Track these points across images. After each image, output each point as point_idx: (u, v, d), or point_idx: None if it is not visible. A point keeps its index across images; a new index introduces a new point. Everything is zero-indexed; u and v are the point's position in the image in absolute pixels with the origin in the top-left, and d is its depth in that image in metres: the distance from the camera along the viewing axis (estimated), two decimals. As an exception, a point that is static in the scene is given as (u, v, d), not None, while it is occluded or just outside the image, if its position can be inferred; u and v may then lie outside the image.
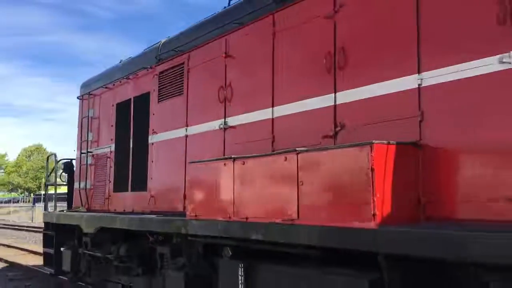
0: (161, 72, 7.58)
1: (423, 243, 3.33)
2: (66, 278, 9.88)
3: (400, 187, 3.79)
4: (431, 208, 3.83)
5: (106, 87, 9.27)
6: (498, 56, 3.47)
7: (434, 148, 3.86)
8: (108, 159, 8.87)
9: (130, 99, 8.38)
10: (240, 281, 5.10)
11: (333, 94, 4.73)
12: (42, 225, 10.68)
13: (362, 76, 4.49)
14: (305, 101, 5.03)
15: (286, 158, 4.38)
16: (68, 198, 10.62)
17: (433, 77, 3.91)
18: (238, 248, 5.20)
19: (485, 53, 3.55)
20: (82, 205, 9.71)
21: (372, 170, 3.61)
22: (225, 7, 6.72)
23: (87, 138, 9.79)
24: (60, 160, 10.95)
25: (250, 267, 5.04)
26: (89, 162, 9.65)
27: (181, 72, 7.10)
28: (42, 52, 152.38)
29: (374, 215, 3.59)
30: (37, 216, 38.87)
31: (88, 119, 9.82)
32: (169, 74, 7.38)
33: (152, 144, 7.62)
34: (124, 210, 8.05)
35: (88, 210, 9.31)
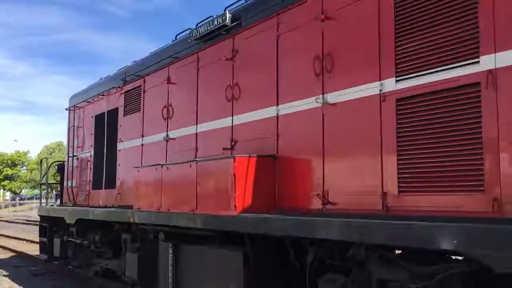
0: (126, 92, 9.27)
1: (265, 224, 4.96)
2: (56, 262, 11.66)
3: (259, 186, 5.43)
4: (283, 201, 5.46)
5: (87, 101, 11.01)
6: (314, 97, 5.10)
7: (283, 157, 5.49)
8: (89, 162, 10.61)
9: (105, 112, 10.10)
10: (170, 257, 6.79)
11: (231, 117, 6.38)
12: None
13: (247, 105, 6.13)
14: (215, 121, 6.70)
15: (190, 165, 6.06)
16: (60, 195, 12.44)
17: (283, 109, 5.55)
18: (169, 233, 6.88)
19: (308, 95, 5.18)
20: (69, 200, 11.51)
21: (234, 175, 5.27)
22: (173, 41, 8.37)
23: (73, 144, 11.56)
24: (53, 162, 12.81)
25: (176, 246, 6.73)
26: (75, 164, 11.43)
27: (139, 92, 8.79)
28: (62, 51, 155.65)
29: (235, 206, 5.24)
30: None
31: (74, 127, 11.59)
32: (131, 93, 9.07)
33: (119, 150, 9.33)
34: (100, 205, 9.77)
35: (74, 204, 11.07)
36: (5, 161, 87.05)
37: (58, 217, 10.63)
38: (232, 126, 6.39)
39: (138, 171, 7.38)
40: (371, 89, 4.53)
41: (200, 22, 7.17)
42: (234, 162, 5.31)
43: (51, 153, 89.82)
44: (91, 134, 10.64)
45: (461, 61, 3.82)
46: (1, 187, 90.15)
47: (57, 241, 11.21)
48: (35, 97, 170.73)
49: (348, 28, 4.86)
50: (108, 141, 9.84)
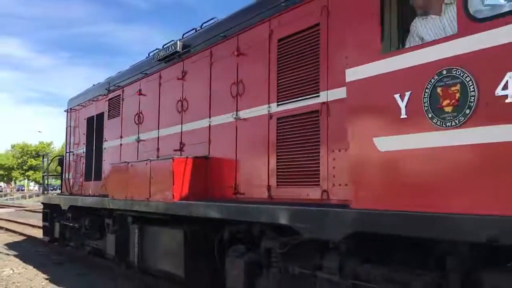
0: (110, 99, 11.03)
1: (191, 208, 6.68)
2: (56, 243, 13.54)
3: (194, 181, 7.13)
4: (213, 191, 7.16)
5: (81, 105, 12.79)
6: (231, 113, 6.78)
7: (214, 158, 7.20)
8: (82, 157, 12.42)
9: (94, 115, 11.87)
10: (136, 236, 8.55)
11: (180, 125, 8.09)
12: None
13: (191, 116, 7.84)
14: (170, 128, 8.42)
15: (146, 164, 7.80)
16: (60, 185, 14.31)
17: (213, 121, 7.25)
18: (137, 217, 8.63)
19: (228, 111, 6.86)
20: (67, 190, 13.36)
21: (173, 172, 6.99)
22: (146, 57, 10.06)
23: (70, 141, 13.39)
24: (55, 157, 14.67)
25: (141, 228, 8.48)
26: (71, 159, 13.26)
27: (119, 100, 10.54)
28: (83, 43, 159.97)
29: (173, 195, 6.97)
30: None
31: (71, 127, 13.41)
32: (113, 101, 10.83)
33: (105, 148, 11.10)
34: (89, 194, 11.57)
35: (70, 194, 12.90)
36: (29, 152, 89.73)
37: (56, 204, 12.49)
38: (181, 132, 8.11)
39: (113, 166, 9.15)
40: (263, 110, 6.21)
41: (165, 44, 8.84)
42: (173, 162, 7.04)
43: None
44: (84, 133, 12.43)
45: (310, 94, 5.49)
46: (25, 177, 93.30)
47: (57, 225, 13.09)
48: (57, 88, 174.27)
49: (252, 64, 6.53)
50: (96, 140, 11.61)
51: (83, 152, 12.39)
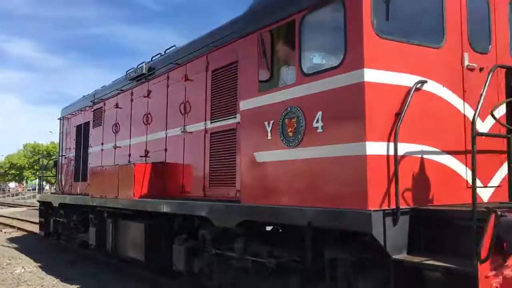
0: (94, 110, 12.67)
1: (145, 204, 8.28)
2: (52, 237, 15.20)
3: (152, 182, 8.72)
4: (168, 191, 8.74)
5: (72, 114, 14.45)
6: (180, 127, 8.37)
7: (169, 163, 8.79)
8: (72, 160, 14.08)
9: (82, 124, 13.52)
10: (110, 228, 10.17)
11: (146, 135, 9.70)
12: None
13: (154, 128, 9.44)
14: (138, 137, 10.03)
15: (115, 168, 9.42)
16: (55, 185, 15.99)
17: (169, 132, 8.84)
18: (112, 212, 10.24)
19: (178, 126, 8.45)
20: (59, 189, 15.02)
21: (134, 175, 8.59)
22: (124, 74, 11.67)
23: (63, 146, 15.06)
24: (50, 160, 16.36)
25: (114, 221, 10.09)
26: (63, 162, 14.93)
27: (101, 112, 12.17)
28: (94, 43, 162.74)
29: (133, 194, 8.57)
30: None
31: (63, 134, 15.08)
32: (97, 112, 12.47)
33: (90, 153, 12.74)
34: (77, 193, 13.21)
35: (62, 193, 14.56)
36: (41, 152, 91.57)
37: (49, 201, 14.18)
38: (146, 141, 9.72)
39: (92, 169, 10.78)
40: (201, 126, 7.79)
41: (140, 63, 10.42)
42: (134, 167, 8.65)
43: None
44: (74, 139, 14.09)
45: (231, 115, 7.06)
46: (37, 177, 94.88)
47: (51, 221, 14.76)
48: (68, 89, 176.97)
49: (195, 88, 8.12)
50: (83, 146, 13.25)
51: (73, 156, 14.04)
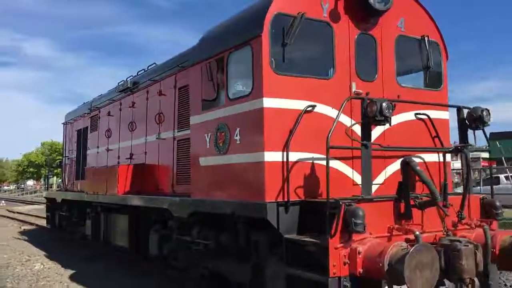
0: (91, 116, 14.31)
1: (126, 199, 9.87)
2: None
3: (133, 181, 10.30)
4: (146, 188, 10.32)
5: (73, 119, 16.13)
6: (155, 134, 9.94)
7: (147, 165, 10.36)
8: (73, 161, 15.76)
9: (81, 128, 15.18)
10: (103, 221, 11.81)
11: (131, 140, 11.29)
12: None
13: (137, 134, 11.02)
14: (125, 142, 11.63)
15: (104, 168, 11.02)
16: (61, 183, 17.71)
17: (148, 139, 10.41)
18: (104, 207, 11.87)
19: (154, 133, 10.02)
20: (64, 187, 16.72)
21: (118, 174, 10.19)
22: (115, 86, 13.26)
23: (66, 148, 16.76)
24: (56, 160, 18.06)
25: (106, 215, 11.72)
26: (67, 162, 16.63)
27: (97, 118, 13.81)
28: (109, 42, 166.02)
29: (118, 190, 10.17)
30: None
31: (66, 137, 16.77)
32: (93, 118, 14.10)
33: (88, 155, 14.39)
34: (77, 190, 14.87)
35: (65, 190, 16.25)
36: (57, 150, 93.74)
37: (54, 198, 15.89)
38: (131, 146, 11.31)
39: (87, 169, 12.43)
40: (171, 133, 9.35)
41: (128, 77, 12.00)
42: (118, 168, 10.25)
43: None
44: (75, 142, 15.77)
45: (187, 127, 8.59)
46: (54, 175, 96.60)
47: (56, 215, 16.49)
48: (83, 88, 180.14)
49: (167, 102, 9.66)
50: (82, 148, 14.91)
51: (74, 157, 15.72)
